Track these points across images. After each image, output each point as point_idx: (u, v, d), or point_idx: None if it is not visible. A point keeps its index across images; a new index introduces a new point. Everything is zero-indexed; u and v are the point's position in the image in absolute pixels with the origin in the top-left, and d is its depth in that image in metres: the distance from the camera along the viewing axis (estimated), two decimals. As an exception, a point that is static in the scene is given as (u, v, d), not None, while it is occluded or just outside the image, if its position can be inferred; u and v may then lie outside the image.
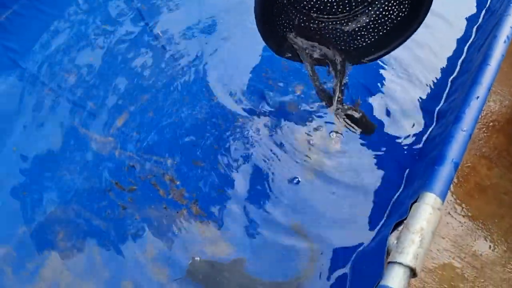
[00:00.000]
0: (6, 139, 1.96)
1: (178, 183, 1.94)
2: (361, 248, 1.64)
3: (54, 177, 1.90)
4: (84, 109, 2.06)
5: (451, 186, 2.32)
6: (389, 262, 1.18)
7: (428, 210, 1.23)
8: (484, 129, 2.49)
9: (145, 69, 2.19)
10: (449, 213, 2.25)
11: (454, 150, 1.36)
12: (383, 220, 1.70)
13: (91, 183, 1.90)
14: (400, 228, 1.27)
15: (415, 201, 1.28)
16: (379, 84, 2.20)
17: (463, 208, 2.27)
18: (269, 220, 1.86)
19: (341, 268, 1.63)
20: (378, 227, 1.69)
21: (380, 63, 2.25)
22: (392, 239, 1.24)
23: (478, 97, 1.47)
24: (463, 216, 2.25)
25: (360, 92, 2.14)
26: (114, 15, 2.35)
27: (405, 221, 1.25)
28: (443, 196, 1.26)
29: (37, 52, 2.18)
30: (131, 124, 2.04)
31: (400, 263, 1.15)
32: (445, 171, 1.31)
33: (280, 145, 2.02)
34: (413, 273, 1.15)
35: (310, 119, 2.09)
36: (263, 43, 1.73)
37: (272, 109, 2.11)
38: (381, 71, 2.25)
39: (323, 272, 1.69)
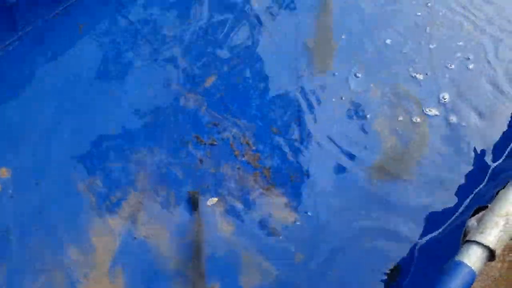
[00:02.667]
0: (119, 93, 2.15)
1: (254, 148, 2.01)
2: (433, 234, 1.60)
3: (145, 121, 2.04)
4: (178, 68, 2.19)
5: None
6: (467, 241, 1.15)
7: (516, 197, 1.18)
8: None
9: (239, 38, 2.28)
10: None
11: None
12: (461, 210, 1.65)
13: (175, 133, 2.02)
14: (482, 213, 1.23)
15: (502, 188, 1.23)
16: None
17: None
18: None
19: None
20: (453, 217, 1.64)
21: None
22: (472, 220, 1.21)
23: None
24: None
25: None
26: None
27: (489, 205, 1.21)
28: (535, 185, 1.21)
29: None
30: (219, 87, 2.14)
31: (479, 243, 1.12)
32: (540, 162, 1.25)
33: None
34: (491, 255, 1.12)
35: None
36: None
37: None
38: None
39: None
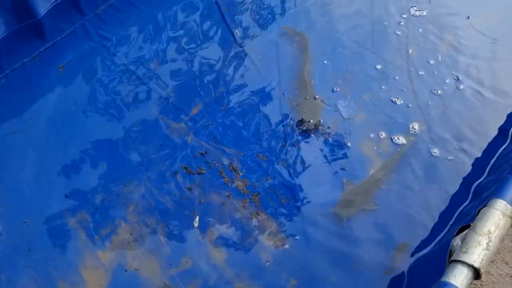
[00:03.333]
0: (93, 118, 2.15)
1: (241, 174, 2.03)
2: (421, 253, 1.63)
3: (130, 154, 2.06)
4: (165, 100, 2.22)
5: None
6: (452, 261, 1.17)
7: (497, 215, 1.22)
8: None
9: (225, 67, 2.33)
10: (515, 239, 2.15)
11: (529, 162, 1.33)
12: (446, 229, 1.68)
13: (162, 164, 2.04)
14: (465, 232, 1.26)
15: (483, 206, 1.27)
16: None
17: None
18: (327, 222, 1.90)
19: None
20: (440, 236, 1.67)
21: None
22: (457, 240, 1.24)
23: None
24: (531, 245, 2.14)
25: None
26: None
27: (472, 224, 1.24)
28: (514, 205, 1.24)
29: (126, 43, 2.38)
30: (204, 114, 2.17)
31: (464, 262, 1.14)
32: (518, 180, 1.29)
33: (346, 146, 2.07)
34: (476, 273, 1.14)
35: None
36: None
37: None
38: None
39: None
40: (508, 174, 1.30)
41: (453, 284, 1.11)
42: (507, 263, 2.09)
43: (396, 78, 2.30)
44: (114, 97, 2.22)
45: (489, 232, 1.18)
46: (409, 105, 2.21)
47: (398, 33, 2.47)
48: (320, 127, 2.13)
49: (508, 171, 1.32)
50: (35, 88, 2.22)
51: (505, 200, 1.24)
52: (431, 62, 2.35)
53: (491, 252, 1.16)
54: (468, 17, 2.51)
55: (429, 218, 1.83)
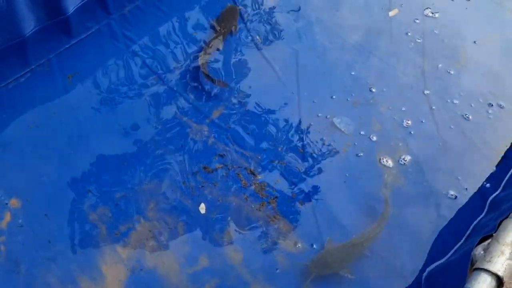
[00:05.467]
0: (112, 114, 2.20)
1: (260, 177, 2.07)
2: (437, 263, 1.67)
3: (152, 152, 2.09)
4: (186, 101, 2.26)
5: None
6: (475, 269, 1.21)
7: (520, 226, 1.26)
8: None
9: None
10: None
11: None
12: (462, 241, 1.72)
13: (183, 164, 2.07)
14: (487, 242, 1.30)
15: (506, 218, 1.31)
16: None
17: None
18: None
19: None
20: (456, 247, 1.71)
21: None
22: (479, 249, 1.28)
23: None
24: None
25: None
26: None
27: (494, 234, 1.28)
28: (536, 216, 1.29)
29: (149, 43, 2.43)
30: (225, 117, 2.21)
31: (488, 270, 1.18)
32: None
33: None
34: (499, 282, 1.18)
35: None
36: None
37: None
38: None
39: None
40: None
41: (477, 291, 1.15)
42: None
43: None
44: (135, 94, 2.26)
45: (512, 242, 1.22)
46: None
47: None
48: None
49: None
50: (58, 82, 2.25)
51: (526, 213, 1.29)
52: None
53: (514, 262, 1.20)
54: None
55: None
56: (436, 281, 1.56)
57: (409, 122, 2.22)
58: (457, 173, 2.06)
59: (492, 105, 2.28)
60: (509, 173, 1.88)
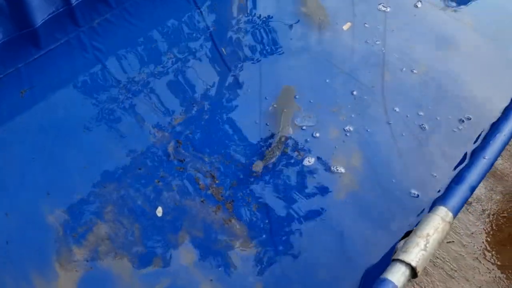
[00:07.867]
0: (78, 121, 2.27)
1: (217, 181, 2.13)
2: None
3: (114, 156, 2.17)
4: (151, 107, 2.34)
5: (484, 235, 2.32)
6: (392, 259, 1.27)
7: (437, 220, 1.32)
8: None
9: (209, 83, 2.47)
10: (477, 258, 2.24)
11: (473, 174, 1.44)
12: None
13: (142, 167, 2.14)
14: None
15: (428, 213, 1.37)
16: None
17: (493, 255, 2.25)
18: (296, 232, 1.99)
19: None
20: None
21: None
22: (401, 242, 1.34)
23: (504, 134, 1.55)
24: (492, 263, 2.23)
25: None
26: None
27: (414, 228, 1.34)
28: (455, 211, 1.35)
29: (118, 55, 2.53)
30: (186, 124, 2.29)
31: (402, 260, 1.24)
32: (461, 190, 1.39)
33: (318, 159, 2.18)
34: (413, 272, 1.23)
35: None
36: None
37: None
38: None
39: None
40: (452, 183, 1.41)
41: (390, 280, 1.20)
42: (468, 280, 2.17)
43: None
44: (102, 106, 2.34)
45: (428, 234, 1.28)
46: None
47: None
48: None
49: (452, 180, 1.43)
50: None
51: (446, 207, 1.34)
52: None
53: (428, 253, 1.26)
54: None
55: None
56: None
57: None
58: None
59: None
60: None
